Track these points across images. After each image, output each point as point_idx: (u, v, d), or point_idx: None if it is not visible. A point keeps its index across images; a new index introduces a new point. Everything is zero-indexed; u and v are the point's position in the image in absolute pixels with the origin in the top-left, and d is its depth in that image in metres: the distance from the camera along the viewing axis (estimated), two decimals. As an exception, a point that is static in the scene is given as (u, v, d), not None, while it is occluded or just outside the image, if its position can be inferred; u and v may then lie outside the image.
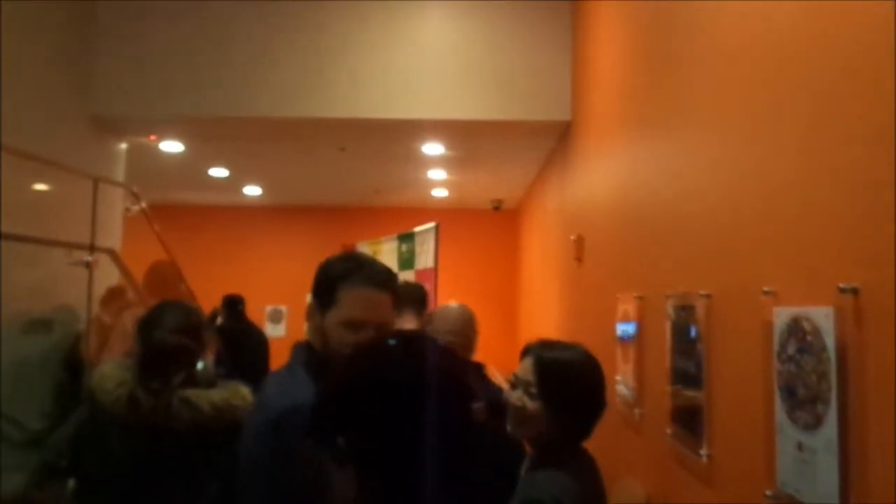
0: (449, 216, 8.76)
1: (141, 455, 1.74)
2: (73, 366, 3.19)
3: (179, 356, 1.83)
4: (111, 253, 3.59)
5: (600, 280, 3.94)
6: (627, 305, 3.10)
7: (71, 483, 1.80)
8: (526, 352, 1.76)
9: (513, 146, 6.29)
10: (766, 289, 1.67)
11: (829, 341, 1.38)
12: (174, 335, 1.86)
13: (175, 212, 8.93)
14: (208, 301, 6.33)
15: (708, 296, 2.10)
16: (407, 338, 1.18)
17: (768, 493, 1.60)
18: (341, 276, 1.63)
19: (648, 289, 2.88)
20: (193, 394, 1.79)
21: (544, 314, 6.66)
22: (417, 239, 7.77)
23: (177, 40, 5.09)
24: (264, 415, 1.49)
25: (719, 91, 2.15)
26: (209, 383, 1.88)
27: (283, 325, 10.01)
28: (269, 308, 9.99)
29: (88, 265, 3.26)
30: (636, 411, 2.89)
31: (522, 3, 5.18)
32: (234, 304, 6.00)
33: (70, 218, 3.50)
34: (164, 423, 1.75)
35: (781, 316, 1.58)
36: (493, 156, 6.83)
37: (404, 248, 8.07)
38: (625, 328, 3.17)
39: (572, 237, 4.60)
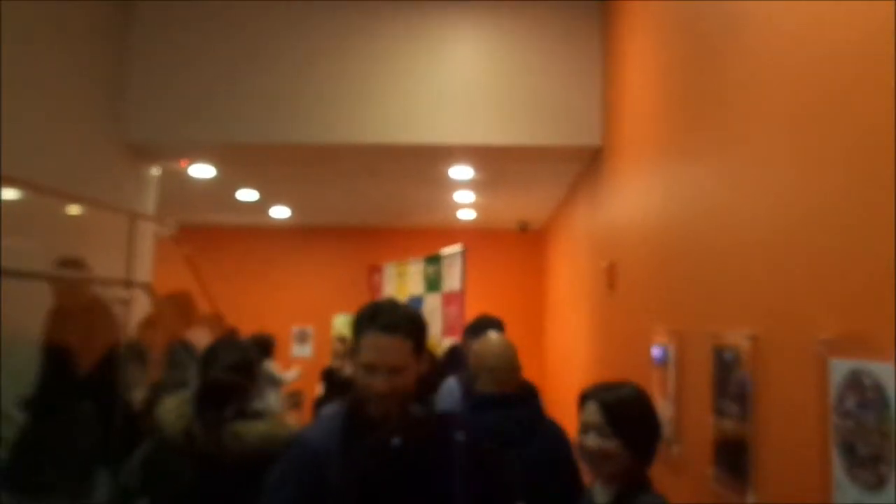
0: (475, 237, 8.74)
1: (198, 481, 1.96)
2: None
3: (232, 392, 2.03)
4: (146, 287, 3.62)
5: (633, 309, 3.87)
6: (663, 338, 3.04)
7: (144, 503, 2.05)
8: (586, 398, 1.84)
9: (541, 170, 6.27)
10: (822, 338, 1.61)
11: (892, 399, 1.32)
12: (228, 373, 2.05)
13: (204, 233, 9.01)
14: (238, 321, 6.36)
15: (754, 337, 2.04)
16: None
17: (825, 550, 1.54)
18: (360, 321, 1.78)
19: (686, 322, 2.82)
20: (242, 426, 1.99)
21: (572, 339, 6.58)
22: (444, 262, 7.75)
23: (208, 67, 5.14)
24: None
25: (762, 114, 2.11)
26: (257, 415, 2.06)
27: (309, 345, 10.02)
28: (295, 329, 10.01)
29: (126, 303, 3.29)
30: (674, 448, 2.82)
31: (553, 27, 5.17)
32: (265, 347, 6.10)
33: (103, 248, 3.53)
34: (217, 453, 1.95)
35: (839, 369, 1.52)
36: (520, 179, 6.81)
37: (431, 270, 8.05)
38: (661, 358, 3.10)
39: (604, 264, 4.54)
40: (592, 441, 1.77)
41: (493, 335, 2.94)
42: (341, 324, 9.35)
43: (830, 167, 1.66)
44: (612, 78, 4.77)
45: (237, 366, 2.08)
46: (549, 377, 8.36)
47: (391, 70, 5.20)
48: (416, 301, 8.19)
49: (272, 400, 6.27)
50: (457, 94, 5.19)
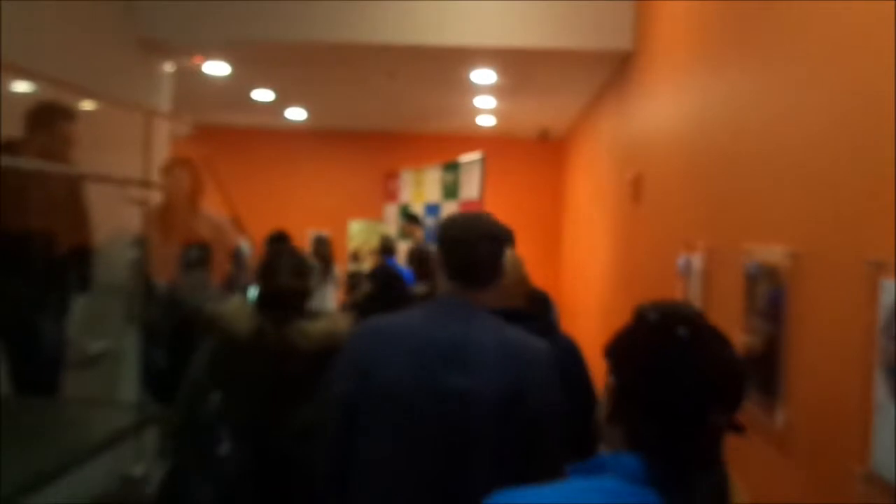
0: (494, 145, 8.56)
1: (267, 375, 2.18)
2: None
3: (294, 297, 2.26)
4: (162, 187, 3.57)
5: (660, 222, 3.79)
6: (692, 252, 2.97)
7: (216, 395, 2.24)
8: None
9: (566, 75, 6.02)
10: (871, 258, 1.53)
11: (952, 323, 1.26)
12: (291, 279, 2.26)
13: (218, 133, 8.85)
14: (254, 225, 6.34)
15: (794, 255, 1.97)
16: None
17: (859, 470, 1.52)
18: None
19: (717, 236, 2.74)
20: (307, 324, 2.22)
21: (591, 251, 6.53)
22: (463, 169, 7.63)
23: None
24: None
25: (812, 21, 1.95)
26: (315, 315, 2.30)
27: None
28: (311, 233, 10.03)
29: (145, 204, 3.24)
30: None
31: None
32: (277, 242, 6.04)
33: (119, 148, 3.46)
34: (286, 348, 2.18)
35: (888, 290, 1.45)
36: (543, 85, 6.56)
37: (448, 177, 7.94)
38: (687, 271, 3.05)
39: (629, 175, 4.42)
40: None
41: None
42: (357, 229, 9.35)
43: (885, 77, 1.53)
44: (647, -24, 4.49)
45: (297, 272, 2.29)
46: (566, 289, 8.38)
47: (413, -35, 4.92)
48: (433, 208, 8.13)
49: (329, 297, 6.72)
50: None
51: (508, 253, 2.64)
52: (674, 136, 3.61)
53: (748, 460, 2.09)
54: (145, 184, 3.33)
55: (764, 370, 2.11)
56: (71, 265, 3.08)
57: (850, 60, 1.76)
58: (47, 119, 3.06)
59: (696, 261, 2.90)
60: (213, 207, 4.37)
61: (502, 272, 1.74)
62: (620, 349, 1.06)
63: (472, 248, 1.68)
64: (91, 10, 4.23)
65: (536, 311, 2.46)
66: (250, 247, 4.85)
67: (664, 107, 3.89)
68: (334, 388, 1.66)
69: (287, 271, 2.28)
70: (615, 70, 5.39)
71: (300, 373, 2.17)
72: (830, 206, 1.80)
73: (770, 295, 2.11)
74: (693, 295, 2.91)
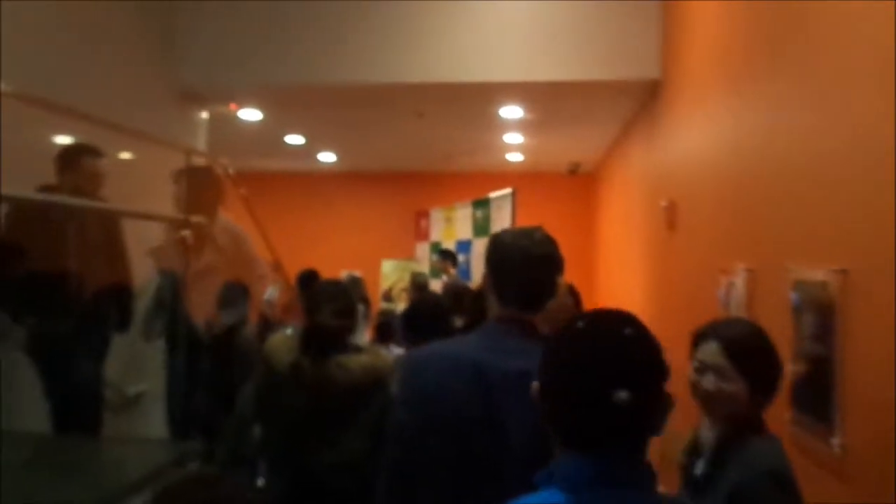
0: (524, 181, 8.56)
1: (307, 408, 2.20)
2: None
3: (337, 336, 2.27)
4: (202, 226, 3.62)
5: (697, 248, 3.72)
6: (734, 278, 2.90)
7: (257, 429, 2.32)
8: (703, 336, 1.70)
9: (593, 107, 6.02)
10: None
11: None
12: (333, 319, 2.27)
13: (250, 178, 8.96)
14: (287, 267, 6.39)
15: (843, 271, 1.90)
16: None
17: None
18: None
19: (759, 259, 2.67)
20: (347, 359, 2.22)
21: (626, 282, 6.45)
22: (493, 205, 7.63)
23: (257, 10, 5.05)
24: None
25: (851, 34, 1.92)
26: (357, 349, 2.32)
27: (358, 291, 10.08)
28: (344, 273, 10.07)
29: (185, 240, 3.29)
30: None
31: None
32: (308, 281, 6.10)
33: (159, 186, 3.54)
34: (326, 384, 2.19)
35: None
36: (571, 118, 6.58)
37: (479, 214, 7.94)
38: (728, 297, 2.97)
39: (663, 203, 4.37)
40: (710, 383, 1.63)
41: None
42: (389, 269, 9.36)
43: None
44: (670, 4, 4.50)
45: (341, 311, 2.30)
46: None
47: (438, 6, 5.01)
48: (465, 245, 8.12)
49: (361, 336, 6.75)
50: (506, 27, 4.99)
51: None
52: (707, 160, 3.57)
53: (805, 488, 1.99)
54: (185, 223, 3.38)
55: (816, 394, 2.02)
56: (110, 305, 3.12)
57: (890, 75, 1.72)
58: (73, 157, 3.14)
59: (738, 285, 2.83)
60: (259, 251, 4.45)
61: (555, 293, 1.65)
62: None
63: (527, 269, 1.58)
64: (129, 60, 4.41)
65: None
66: (276, 290, 4.86)
67: (696, 132, 3.86)
68: (395, 419, 1.62)
69: (330, 310, 2.30)
70: (643, 99, 5.38)
71: (339, 405, 2.19)
72: (881, 220, 1.74)
73: (818, 315, 2.04)
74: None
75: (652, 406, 1.01)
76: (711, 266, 3.27)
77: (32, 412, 2.81)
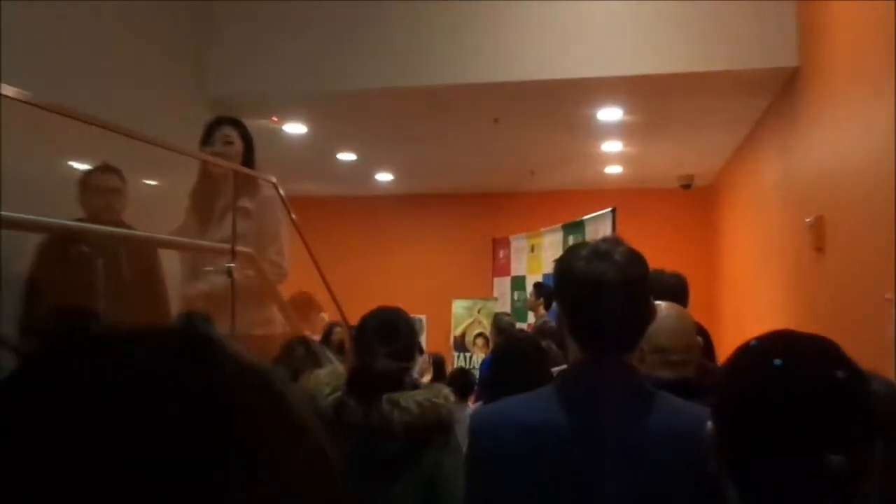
0: (624, 199, 8.45)
1: (355, 452, 2.18)
2: None
3: (388, 379, 2.26)
4: (250, 257, 3.72)
5: (855, 274, 3.63)
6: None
7: None
8: None
9: (710, 106, 5.93)
10: None
11: None
12: (385, 360, 2.28)
13: (296, 204, 9.21)
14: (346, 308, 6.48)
15: None
16: None
17: None
18: None
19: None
20: (401, 396, 2.23)
21: (761, 317, 6.27)
22: (588, 228, 7.59)
23: (293, 12, 5.23)
24: None
25: None
26: (414, 386, 2.32)
27: (421, 337, 10.11)
28: (406, 317, 10.13)
29: (230, 272, 3.38)
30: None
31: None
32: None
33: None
34: (377, 424, 2.20)
35: None
36: (683, 120, 6.50)
37: (571, 239, 7.90)
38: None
39: (808, 219, 4.28)
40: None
41: (661, 304, 2.77)
42: (462, 309, 9.34)
43: None
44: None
45: (394, 352, 2.31)
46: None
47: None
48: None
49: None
50: (597, 14, 4.99)
51: (677, 310, 2.54)
52: (864, 166, 3.48)
53: None
54: (232, 252, 3.51)
55: None
56: None
57: None
58: (87, 178, 3.47)
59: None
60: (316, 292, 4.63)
61: (648, 324, 1.60)
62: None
63: (605, 297, 1.51)
64: (162, 72, 4.72)
65: (709, 384, 2.34)
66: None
67: (846, 132, 3.78)
68: (469, 489, 1.67)
69: (383, 350, 2.32)
70: (776, 95, 5.28)
71: (389, 451, 2.21)
72: None
73: None
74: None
75: (864, 469, 0.98)
76: (875, 294, 3.17)
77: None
